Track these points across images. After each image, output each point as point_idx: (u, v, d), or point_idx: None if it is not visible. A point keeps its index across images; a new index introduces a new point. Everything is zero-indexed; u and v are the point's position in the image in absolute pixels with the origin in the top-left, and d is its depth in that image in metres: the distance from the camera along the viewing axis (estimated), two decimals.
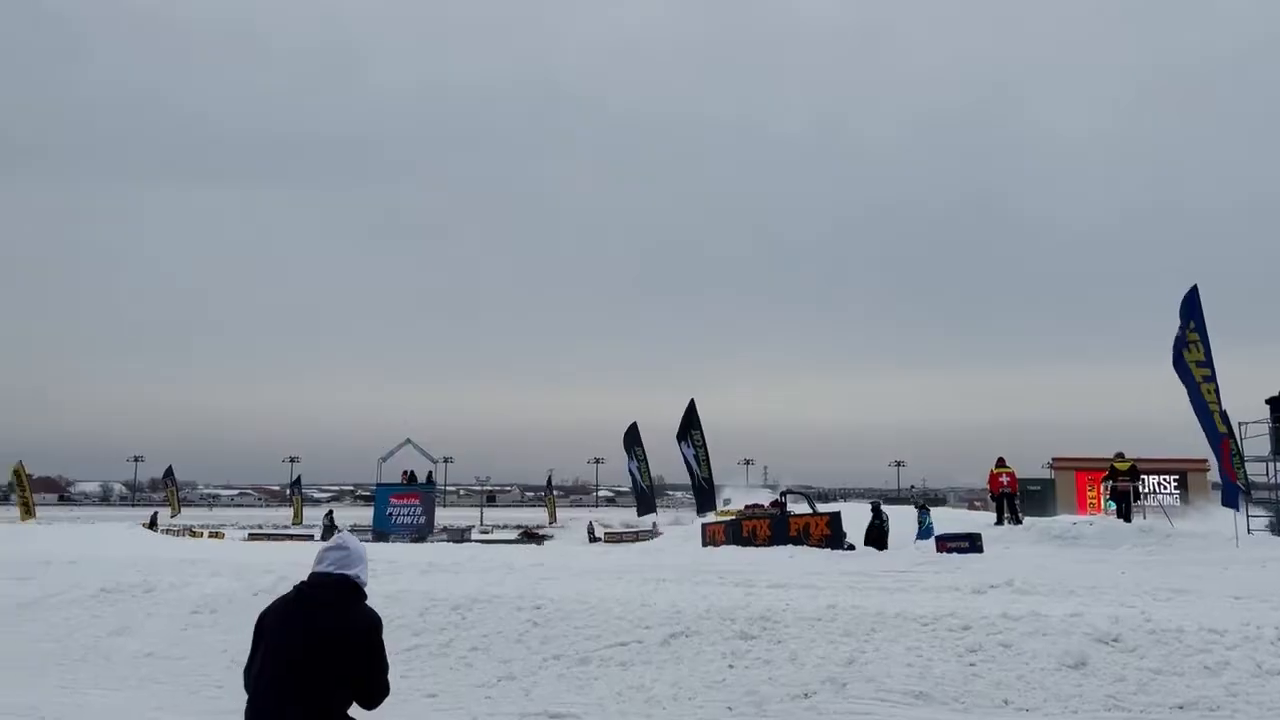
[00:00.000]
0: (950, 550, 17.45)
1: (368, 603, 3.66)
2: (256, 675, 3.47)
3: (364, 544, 3.85)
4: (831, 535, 19.88)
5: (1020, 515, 22.81)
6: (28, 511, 41.74)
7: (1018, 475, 23.99)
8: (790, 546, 19.56)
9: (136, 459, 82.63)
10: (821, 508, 25.05)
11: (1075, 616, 8.80)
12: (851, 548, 19.33)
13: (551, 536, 38.26)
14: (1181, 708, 7.03)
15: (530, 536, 37.49)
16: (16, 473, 45.24)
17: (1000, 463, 23.00)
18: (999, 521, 22.09)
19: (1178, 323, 18.14)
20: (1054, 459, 37.18)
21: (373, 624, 3.59)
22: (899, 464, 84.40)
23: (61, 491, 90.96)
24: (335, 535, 3.88)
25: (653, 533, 33.90)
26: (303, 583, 3.63)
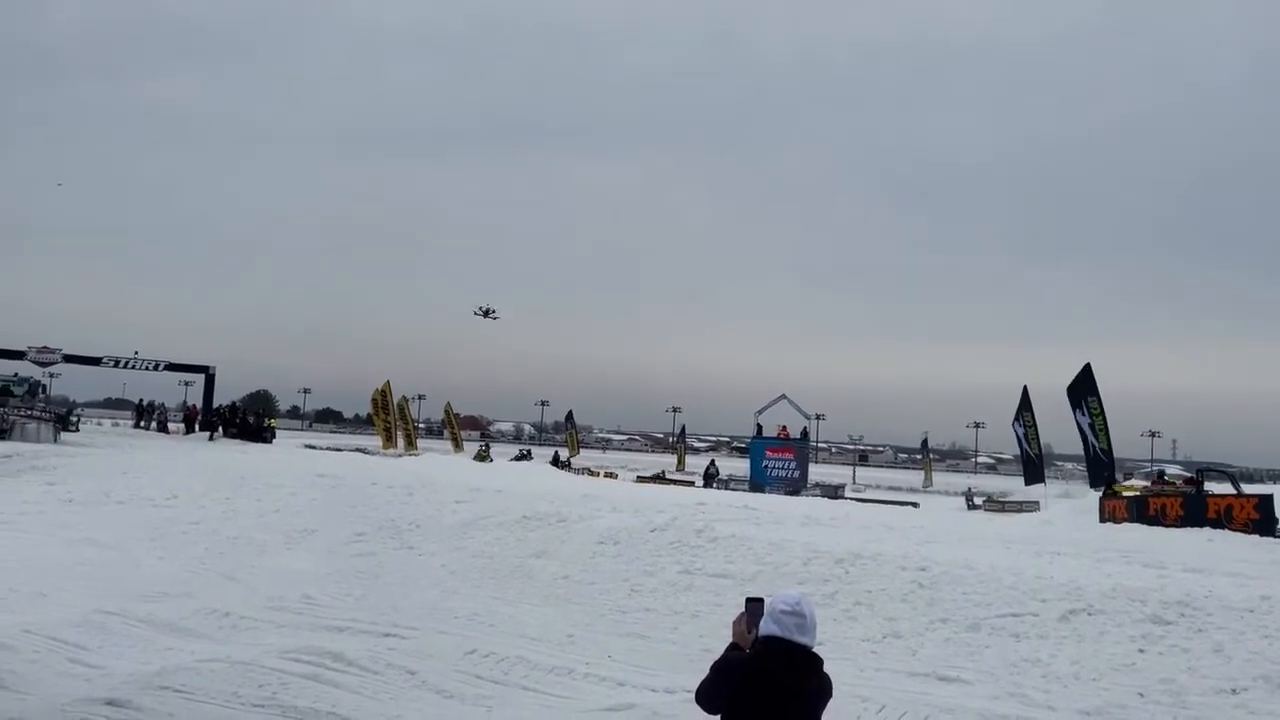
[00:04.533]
0: None
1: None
2: None
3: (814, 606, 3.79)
4: (1261, 520, 17.51)
5: None
6: (410, 444, 45.80)
7: None
8: (1208, 529, 17.50)
9: (543, 403, 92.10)
10: (1247, 489, 22.09)
11: None
12: None
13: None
14: None
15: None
16: (447, 412, 52.22)
17: None
18: None
19: None
20: None
21: (831, 689, 3.77)
22: None
23: (483, 429, 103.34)
24: (794, 598, 3.70)
25: (1035, 504, 31.85)
26: (770, 646, 3.76)
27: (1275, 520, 17.59)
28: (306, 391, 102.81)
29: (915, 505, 31.96)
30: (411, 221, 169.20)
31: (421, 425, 66.53)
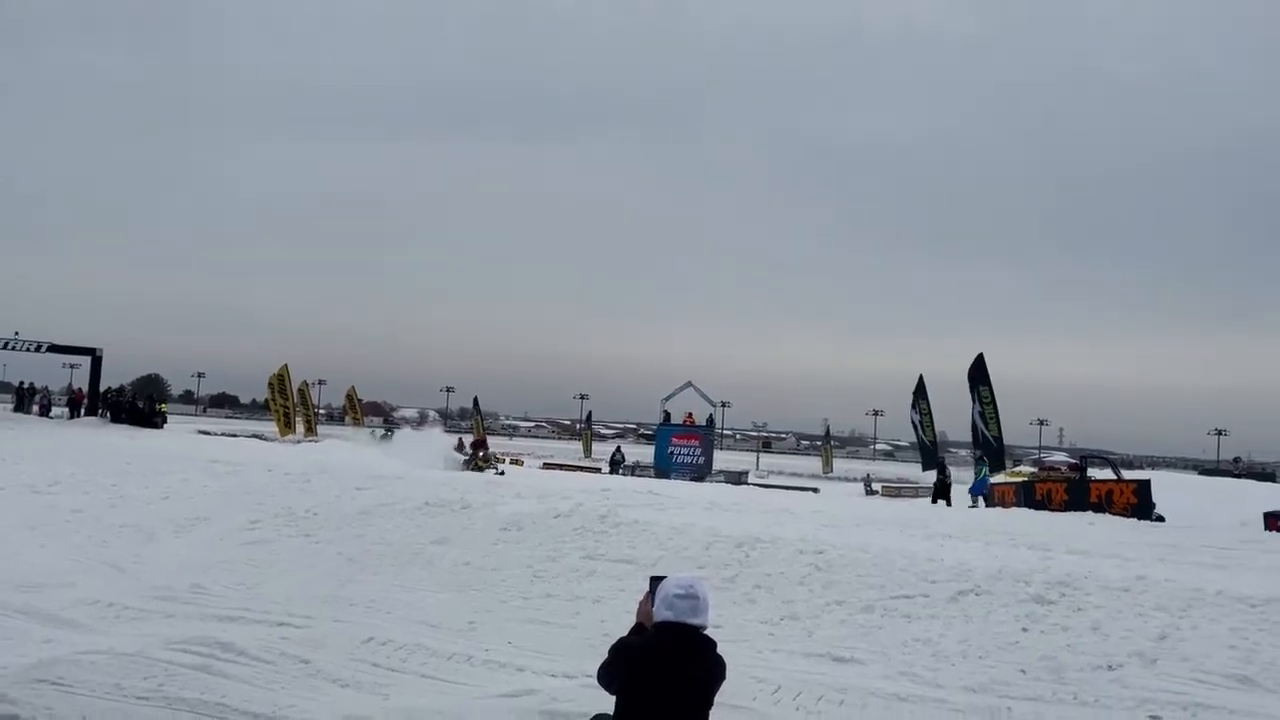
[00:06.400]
0: None
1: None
2: (656, 708, 3.70)
3: (707, 585, 3.91)
4: (1138, 504, 18.42)
5: None
6: (309, 429, 44.15)
7: None
8: (1090, 513, 18.31)
9: (448, 389, 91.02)
10: (1127, 474, 23.19)
11: None
12: (1161, 519, 17.81)
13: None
14: None
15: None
16: (349, 396, 51.19)
17: None
18: None
19: None
20: None
21: (724, 670, 3.86)
22: (1219, 433, 75.88)
23: (386, 415, 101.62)
24: (687, 581, 3.84)
25: (930, 489, 32.89)
26: (665, 629, 3.76)
27: (1152, 504, 18.52)
28: (200, 375, 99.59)
29: (815, 491, 32.63)
30: (320, 201, 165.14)
31: (322, 411, 65.05)
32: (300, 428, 42.91)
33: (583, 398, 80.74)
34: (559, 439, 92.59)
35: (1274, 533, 15.47)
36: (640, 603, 3.98)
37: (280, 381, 43.13)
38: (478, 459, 28.25)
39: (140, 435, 27.37)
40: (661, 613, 3.80)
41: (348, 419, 52.47)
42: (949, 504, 23.71)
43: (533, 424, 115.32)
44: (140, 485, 14.45)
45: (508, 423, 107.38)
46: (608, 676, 3.86)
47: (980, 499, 24.19)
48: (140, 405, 35.18)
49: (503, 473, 25.38)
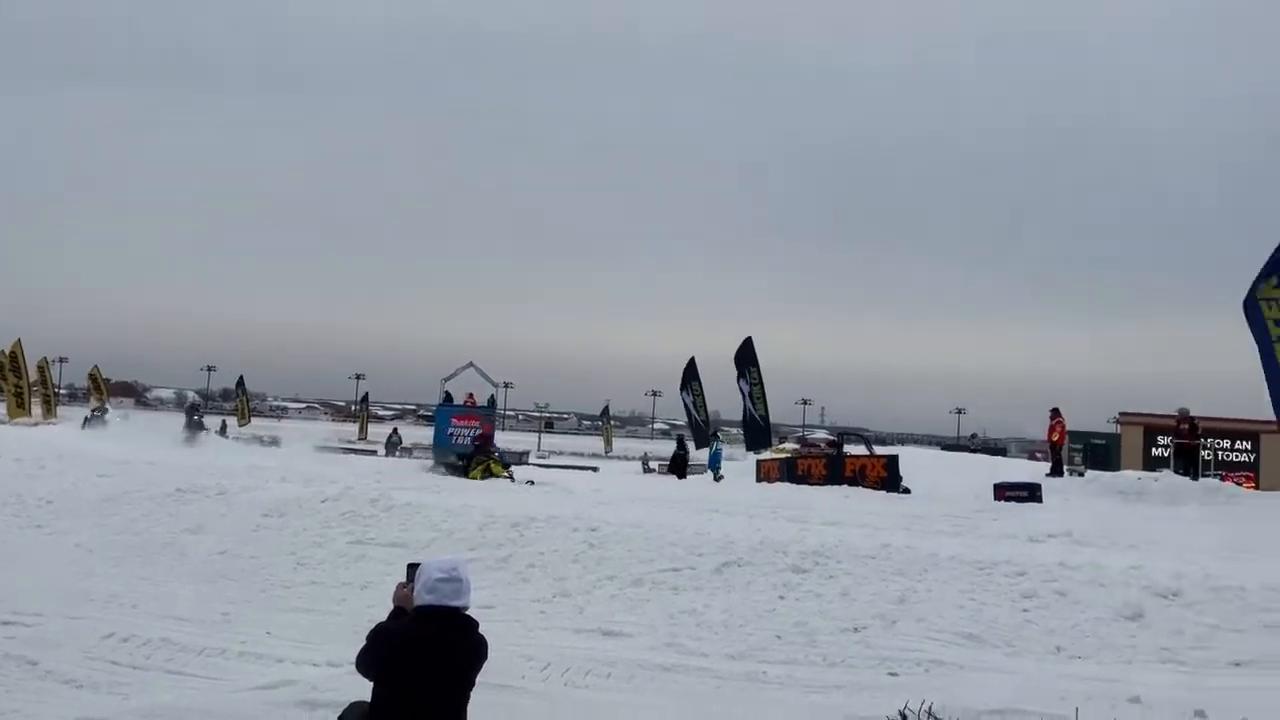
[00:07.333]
0: (1009, 499, 17.30)
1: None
2: (415, 692, 3.65)
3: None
4: (888, 478, 19.83)
5: (1063, 468, 22.91)
6: (48, 411, 41.02)
7: (1076, 429, 23.89)
8: (845, 487, 19.55)
9: (209, 368, 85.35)
10: (879, 450, 24.93)
11: (1135, 569, 8.72)
12: (908, 491, 19.26)
13: None
14: (1239, 664, 6.96)
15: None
16: (93, 376, 46.99)
17: (1055, 413, 22.80)
18: (1057, 473, 21.91)
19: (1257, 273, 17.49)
20: (1120, 414, 36.31)
21: (486, 650, 3.88)
22: (959, 411, 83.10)
23: (138, 396, 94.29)
24: (449, 564, 3.82)
25: (703, 467, 34.15)
26: (427, 613, 3.72)
27: (899, 477, 19.98)
28: None
29: (595, 470, 33.10)
30: (54, 163, 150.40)
31: (63, 391, 59.58)
32: (37, 409, 39.04)
33: (359, 378, 78.01)
34: (333, 421, 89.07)
35: (1001, 502, 17.06)
36: (397, 587, 3.94)
37: (12, 359, 39.06)
38: (489, 462, 19.29)
39: None
40: (423, 596, 3.76)
41: (92, 400, 48.17)
42: (681, 476, 25.23)
43: (304, 405, 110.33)
44: None
45: (276, 404, 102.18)
46: (366, 663, 3.80)
47: (715, 471, 25.61)
48: None
49: (527, 481, 18.38)
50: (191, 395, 54.48)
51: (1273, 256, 17.35)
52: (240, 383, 58.62)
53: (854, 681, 6.52)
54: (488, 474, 18.31)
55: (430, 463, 21.27)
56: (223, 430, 38.90)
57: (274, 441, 34.95)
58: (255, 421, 55.95)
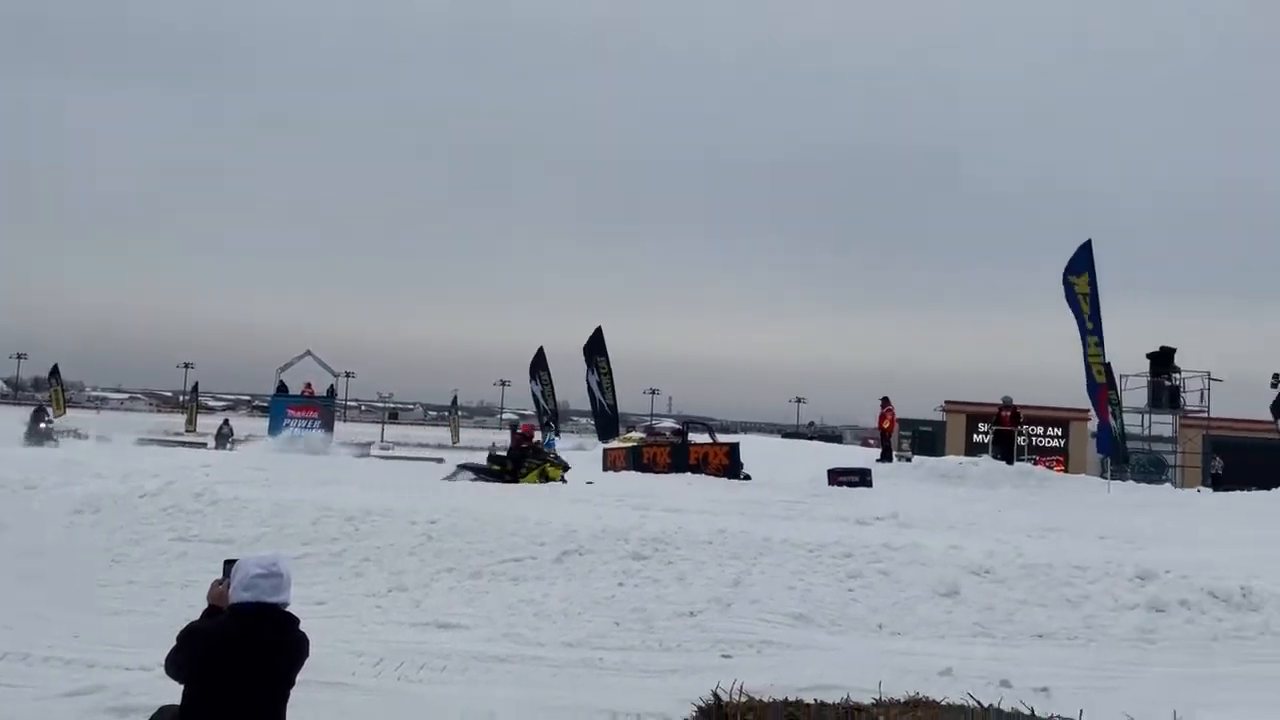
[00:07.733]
0: (842, 484, 18.08)
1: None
2: (229, 693, 3.52)
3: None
4: (730, 465, 20.32)
5: (892, 454, 24.28)
6: None
7: (905, 417, 25.21)
8: (689, 474, 19.92)
9: (20, 356, 79.09)
10: (722, 438, 25.50)
11: (953, 549, 9.25)
12: (748, 477, 19.79)
13: None
14: (1042, 636, 7.48)
15: None
16: None
17: (885, 402, 24.00)
18: (886, 458, 23.02)
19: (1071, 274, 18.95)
20: (946, 402, 38.44)
21: (307, 647, 3.78)
22: (799, 400, 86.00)
23: None
24: (269, 559, 3.70)
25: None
26: (245, 611, 3.58)
27: (740, 464, 20.51)
28: None
29: (440, 461, 32.56)
30: None
31: None
32: None
33: (187, 366, 74.07)
34: (159, 412, 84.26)
35: (835, 487, 17.81)
36: (212, 585, 3.80)
37: None
38: (544, 465, 17.33)
39: None
40: (239, 594, 3.64)
41: None
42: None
43: (126, 395, 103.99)
44: None
45: (96, 394, 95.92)
46: (176, 664, 3.66)
47: None
48: None
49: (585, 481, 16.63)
50: (40, 398, 50.65)
51: (1076, 255, 18.81)
52: (55, 371, 54.66)
53: (689, 665, 6.65)
54: (544, 478, 16.81)
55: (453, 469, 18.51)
56: (48, 420, 36.15)
57: (83, 435, 32.70)
58: (71, 413, 52.29)
